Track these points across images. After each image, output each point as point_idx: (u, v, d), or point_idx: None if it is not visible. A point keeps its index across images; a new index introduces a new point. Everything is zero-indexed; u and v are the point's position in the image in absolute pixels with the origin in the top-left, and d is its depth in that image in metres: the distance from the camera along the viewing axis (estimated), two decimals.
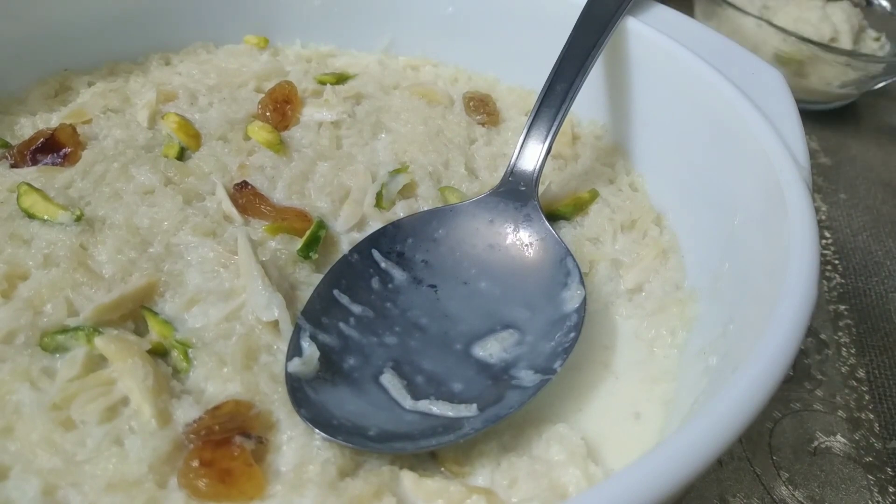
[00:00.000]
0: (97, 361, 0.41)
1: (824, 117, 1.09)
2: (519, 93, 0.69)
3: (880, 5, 1.14)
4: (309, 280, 0.48)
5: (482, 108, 0.66)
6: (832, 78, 1.02)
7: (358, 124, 0.62)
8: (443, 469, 0.39)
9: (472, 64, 0.72)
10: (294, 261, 0.49)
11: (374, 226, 0.53)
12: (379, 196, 0.55)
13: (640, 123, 0.60)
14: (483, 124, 0.65)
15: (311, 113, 0.63)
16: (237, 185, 0.53)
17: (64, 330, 0.41)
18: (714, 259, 0.49)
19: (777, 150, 0.40)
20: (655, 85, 0.58)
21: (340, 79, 0.69)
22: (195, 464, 0.35)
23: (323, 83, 0.67)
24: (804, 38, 0.97)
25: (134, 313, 0.44)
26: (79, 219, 0.48)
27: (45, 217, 0.48)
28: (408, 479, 0.37)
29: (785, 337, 0.31)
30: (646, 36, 0.57)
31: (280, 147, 0.58)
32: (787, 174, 0.38)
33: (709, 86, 0.50)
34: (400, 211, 0.54)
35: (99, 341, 0.40)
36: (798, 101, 0.46)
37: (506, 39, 0.69)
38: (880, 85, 1.06)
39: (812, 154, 0.98)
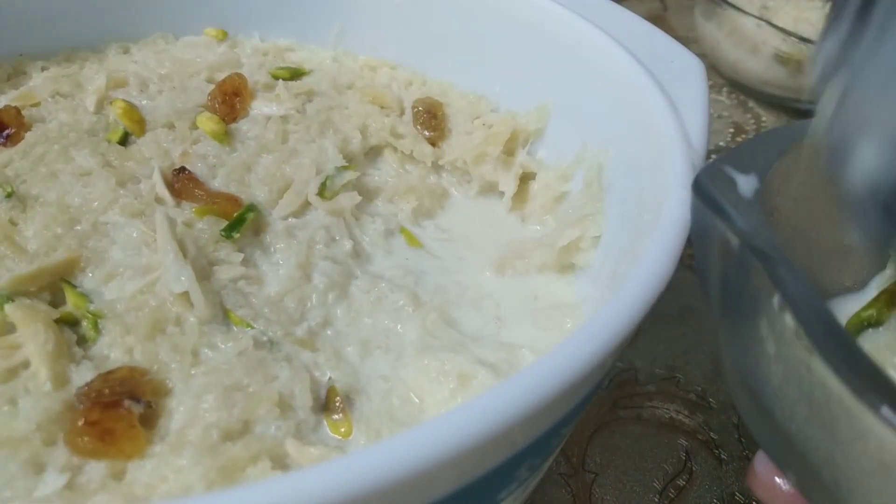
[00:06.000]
0: (9, 329, 0.42)
1: None
2: (470, 98, 0.68)
3: None
4: (229, 259, 0.49)
5: (430, 122, 0.65)
6: None
7: (307, 121, 0.62)
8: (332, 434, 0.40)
9: (427, 65, 0.71)
10: (216, 240, 0.49)
11: (317, 214, 0.54)
12: (322, 186, 0.55)
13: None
14: (431, 142, 0.64)
15: (261, 107, 0.64)
16: (175, 170, 0.55)
17: None
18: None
19: (667, 123, 0.40)
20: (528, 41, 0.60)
21: (295, 74, 0.70)
22: (80, 423, 0.37)
23: (277, 77, 0.68)
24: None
25: (52, 285, 0.45)
26: (10, 195, 0.50)
27: None
28: (292, 446, 0.38)
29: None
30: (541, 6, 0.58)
31: (225, 138, 0.59)
32: (670, 140, 0.38)
33: (589, 42, 0.51)
34: (342, 201, 0.55)
35: (9, 308, 0.42)
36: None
37: (463, 39, 0.68)
38: None
39: None
